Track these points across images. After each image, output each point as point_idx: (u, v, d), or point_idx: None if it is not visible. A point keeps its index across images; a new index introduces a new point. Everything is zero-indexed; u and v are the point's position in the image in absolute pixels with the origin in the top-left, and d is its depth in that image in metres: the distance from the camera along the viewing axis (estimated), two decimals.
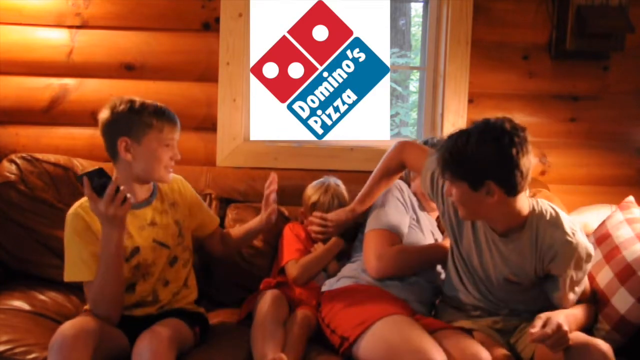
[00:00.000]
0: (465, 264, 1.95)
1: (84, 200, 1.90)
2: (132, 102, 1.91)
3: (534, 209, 1.84)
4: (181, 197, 2.08)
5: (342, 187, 2.32)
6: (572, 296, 1.87)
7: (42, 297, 2.16)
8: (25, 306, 2.08)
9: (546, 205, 1.87)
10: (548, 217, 1.83)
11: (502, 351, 1.81)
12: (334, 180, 2.33)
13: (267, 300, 1.99)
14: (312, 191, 2.30)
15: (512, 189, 1.74)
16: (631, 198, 2.26)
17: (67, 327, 1.68)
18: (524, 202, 1.82)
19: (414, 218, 2.17)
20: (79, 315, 1.87)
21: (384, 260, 2.02)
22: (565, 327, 1.70)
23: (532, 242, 1.83)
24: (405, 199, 2.17)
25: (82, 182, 1.74)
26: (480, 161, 1.72)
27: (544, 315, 1.75)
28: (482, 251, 1.90)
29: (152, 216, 1.96)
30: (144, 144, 1.89)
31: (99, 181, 1.74)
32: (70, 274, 1.86)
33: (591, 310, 1.95)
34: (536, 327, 1.70)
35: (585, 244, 1.82)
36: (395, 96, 6.72)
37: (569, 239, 1.79)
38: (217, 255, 2.25)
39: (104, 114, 1.91)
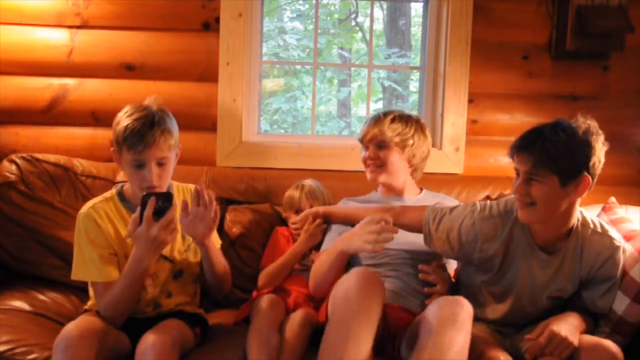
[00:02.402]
0: (505, 289, 1.93)
1: (96, 201, 1.90)
2: (125, 111, 1.85)
3: (578, 217, 1.86)
4: None
5: (319, 188, 2.32)
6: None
7: (42, 297, 2.16)
8: (25, 306, 2.08)
9: (585, 212, 1.90)
10: (592, 225, 1.87)
11: (502, 353, 1.78)
12: (315, 183, 2.34)
13: (263, 305, 1.98)
14: (289, 190, 2.32)
15: (592, 183, 1.77)
16: (613, 199, 2.28)
17: (72, 327, 1.68)
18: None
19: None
20: (82, 315, 1.87)
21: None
22: (563, 333, 1.71)
23: (577, 251, 1.86)
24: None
25: (147, 201, 1.71)
26: (578, 152, 1.74)
27: (543, 323, 1.77)
28: (534, 274, 1.89)
29: None
30: (123, 159, 1.85)
31: (161, 205, 1.72)
32: (78, 273, 1.87)
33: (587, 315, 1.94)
34: (532, 336, 1.74)
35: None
36: (395, 96, 6.71)
37: (617, 243, 1.85)
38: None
39: None
